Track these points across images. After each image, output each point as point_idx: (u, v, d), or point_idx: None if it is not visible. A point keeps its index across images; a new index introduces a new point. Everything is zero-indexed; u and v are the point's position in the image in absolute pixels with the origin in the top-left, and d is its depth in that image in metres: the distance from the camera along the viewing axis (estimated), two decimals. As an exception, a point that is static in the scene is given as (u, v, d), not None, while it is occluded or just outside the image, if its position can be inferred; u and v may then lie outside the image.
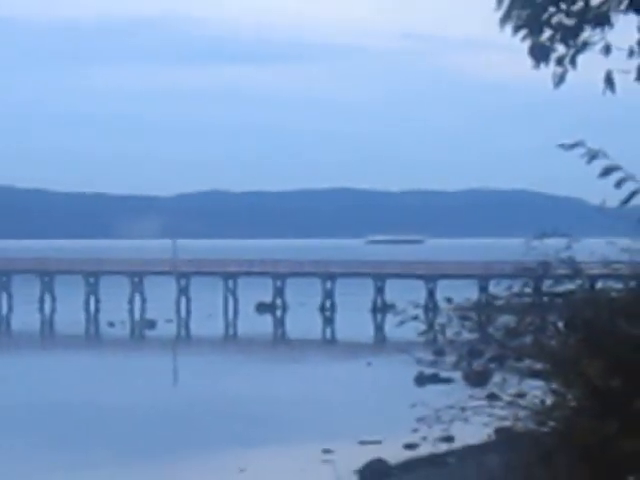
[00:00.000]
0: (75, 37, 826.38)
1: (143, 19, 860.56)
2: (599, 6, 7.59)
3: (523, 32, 7.64)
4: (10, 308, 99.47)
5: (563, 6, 7.61)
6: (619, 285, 9.20)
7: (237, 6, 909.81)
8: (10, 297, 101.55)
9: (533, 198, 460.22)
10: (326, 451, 35.79)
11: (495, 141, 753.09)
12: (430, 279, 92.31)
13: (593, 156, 7.98)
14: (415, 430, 36.30)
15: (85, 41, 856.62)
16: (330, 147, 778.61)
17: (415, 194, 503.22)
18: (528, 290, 9.49)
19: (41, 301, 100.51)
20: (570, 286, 9.01)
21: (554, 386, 8.85)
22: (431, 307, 72.61)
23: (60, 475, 34.67)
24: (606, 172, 7.86)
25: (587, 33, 7.62)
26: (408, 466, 32.54)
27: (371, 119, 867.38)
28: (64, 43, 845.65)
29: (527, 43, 7.68)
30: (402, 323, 11.82)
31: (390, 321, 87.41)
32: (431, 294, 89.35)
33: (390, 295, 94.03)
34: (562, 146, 8.08)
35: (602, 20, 7.58)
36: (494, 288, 10.20)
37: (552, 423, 8.67)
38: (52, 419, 44.73)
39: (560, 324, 9.01)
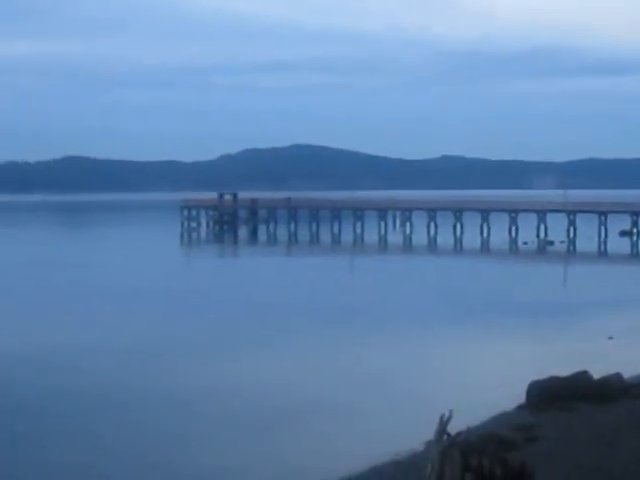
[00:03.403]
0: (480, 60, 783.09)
1: (540, 49, 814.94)
2: None
3: None
4: (462, 233, 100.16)
5: None
6: None
7: (595, 39, 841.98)
8: (462, 226, 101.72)
9: None
10: (609, 338, 34.01)
11: None
12: None
13: None
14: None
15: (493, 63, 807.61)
16: None
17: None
18: None
19: (481, 228, 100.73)
20: None
21: None
22: None
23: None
24: None
25: None
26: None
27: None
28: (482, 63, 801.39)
29: None
30: None
31: None
32: None
33: None
34: None
35: None
36: None
37: None
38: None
39: None
